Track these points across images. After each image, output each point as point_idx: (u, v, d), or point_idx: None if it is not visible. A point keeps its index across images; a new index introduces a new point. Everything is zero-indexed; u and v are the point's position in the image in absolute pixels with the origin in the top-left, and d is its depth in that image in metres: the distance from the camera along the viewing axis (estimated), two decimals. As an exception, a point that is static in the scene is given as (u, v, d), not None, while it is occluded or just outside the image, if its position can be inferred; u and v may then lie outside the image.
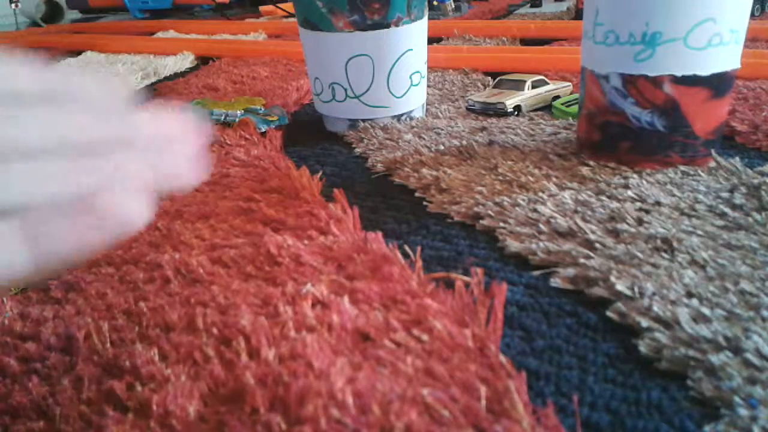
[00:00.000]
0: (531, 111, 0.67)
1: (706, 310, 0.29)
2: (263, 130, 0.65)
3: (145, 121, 0.19)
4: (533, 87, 0.68)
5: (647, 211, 0.40)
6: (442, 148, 0.55)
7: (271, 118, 0.67)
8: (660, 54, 0.43)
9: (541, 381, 0.27)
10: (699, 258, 0.34)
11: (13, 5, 1.94)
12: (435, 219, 0.43)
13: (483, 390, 0.25)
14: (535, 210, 0.41)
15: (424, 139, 0.58)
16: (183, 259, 0.38)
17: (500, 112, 0.65)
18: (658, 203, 0.41)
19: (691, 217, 0.39)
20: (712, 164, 0.46)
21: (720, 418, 0.24)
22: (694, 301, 0.30)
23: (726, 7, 0.41)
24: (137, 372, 0.28)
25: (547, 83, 0.69)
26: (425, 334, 0.29)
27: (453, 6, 1.56)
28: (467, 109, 0.68)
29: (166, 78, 1.03)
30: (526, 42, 1.08)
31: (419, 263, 0.36)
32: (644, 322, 0.29)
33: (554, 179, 0.46)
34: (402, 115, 0.64)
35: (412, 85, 0.62)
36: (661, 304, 0.30)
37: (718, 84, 0.44)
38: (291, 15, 1.72)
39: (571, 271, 0.34)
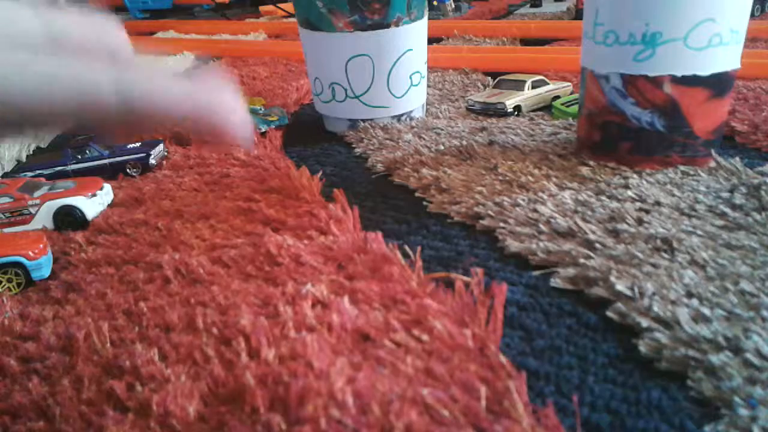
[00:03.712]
0: (531, 111, 0.67)
1: (706, 310, 0.29)
2: (263, 130, 0.65)
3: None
4: (533, 87, 0.68)
5: (647, 211, 0.40)
6: (442, 148, 0.55)
7: (271, 118, 0.67)
8: (660, 54, 0.43)
9: (541, 381, 0.27)
10: (699, 258, 0.34)
11: (13, 5, 1.94)
12: (435, 219, 0.43)
13: (483, 390, 0.25)
14: (535, 210, 0.41)
15: (424, 139, 0.58)
16: (183, 259, 0.38)
17: (500, 112, 0.65)
18: (658, 203, 0.41)
19: (691, 217, 0.39)
20: (712, 164, 0.46)
21: (720, 418, 0.24)
22: (694, 301, 0.30)
23: (726, 7, 0.41)
24: (137, 372, 0.28)
25: (547, 83, 0.69)
26: (425, 334, 0.29)
27: (453, 6, 1.56)
28: (467, 109, 0.68)
29: (166, 78, 1.03)
30: (526, 42, 1.08)
31: (419, 263, 0.36)
32: (644, 322, 0.29)
33: (554, 179, 0.46)
34: (402, 115, 0.64)
35: (412, 85, 0.62)
36: (661, 304, 0.30)
37: (718, 84, 0.44)
38: (291, 15, 1.72)
39: (571, 271, 0.34)
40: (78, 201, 0.46)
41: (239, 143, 0.18)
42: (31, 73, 0.15)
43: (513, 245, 0.38)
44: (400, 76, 0.61)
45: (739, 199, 0.40)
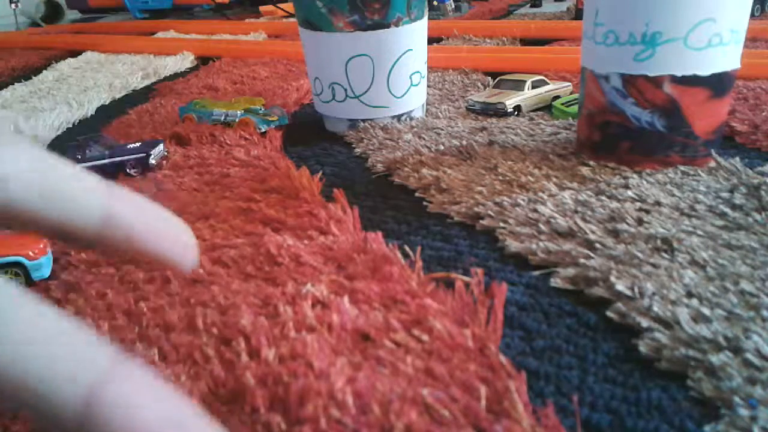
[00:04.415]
0: (531, 111, 0.67)
1: (706, 310, 0.29)
2: (263, 130, 0.65)
3: None
4: (533, 87, 0.68)
5: (647, 211, 0.40)
6: (442, 148, 0.55)
7: (271, 118, 0.67)
8: (660, 54, 0.43)
9: (541, 381, 0.27)
10: (699, 258, 0.34)
11: (13, 5, 1.94)
12: (435, 219, 0.43)
13: (483, 390, 0.25)
14: (535, 210, 0.41)
15: (424, 139, 0.58)
16: (183, 259, 0.38)
17: (500, 112, 0.65)
18: (658, 203, 0.41)
19: (691, 217, 0.39)
20: (712, 164, 0.46)
21: (720, 418, 0.24)
22: (694, 301, 0.30)
23: (726, 7, 0.41)
24: (137, 372, 0.28)
25: (547, 83, 0.69)
26: (425, 334, 0.29)
27: (453, 6, 1.56)
28: (467, 109, 0.68)
29: (166, 78, 1.03)
30: (526, 42, 1.08)
31: (419, 263, 0.36)
32: (644, 322, 0.29)
33: (554, 179, 0.46)
34: (402, 115, 0.64)
35: (412, 85, 0.62)
36: (661, 304, 0.30)
37: (718, 84, 0.44)
38: (291, 15, 1.72)
39: (571, 271, 0.34)
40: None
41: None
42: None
43: (513, 245, 0.38)
44: (400, 76, 0.61)
45: (739, 199, 0.40)
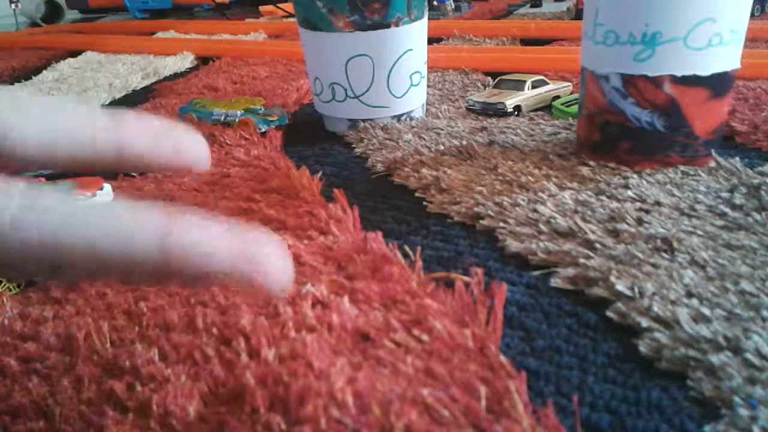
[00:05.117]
0: (531, 111, 0.67)
1: (706, 310, 0.29)
2: (263, 130, 0.65)
3: None
4: (533, 87, 0.68)
5: (647, 211, 0.40)
6: (442, 148, 0.55)
7: (271, 118, 0.67)
8: (660, 54, 0.43)
9: (541, 381, 0.27)
10: (699, 258, 0.34)
11: (13, 5, 1.94)
12: (435, 219, 0.43)
13: (483, 390, 0.25)
14: (535, 210, 0.41)
15: (424, 139, 0.58)
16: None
17: (500, 112, 0.65)
18: (658, 203, 0.41)
19: (691, 217, 0.39)
20: (712, 164, 0.46)
21: (720, 418, 0.24)
22: (694, 301, 0.30)
23: (726, 7, 0.41)
24: (137, 372, 0.28)
25: (547, 83, 0.69)
26: (425, 334, 0.29)
27: (453, 6, 1.56)
28: (467, 109, 0.68)
29: (166, 78, 1.03)
30: (526, 42, 1.08)
31: (419, 263, 0.36)
32: (644, 322, 0.29)
33: (554, 179, 0.46)
34: (402, 115, 0.64)
35: (412, 85, 0.62)
36: (661, 304, 0.30)
37: (718, 84, 0.44)
38: (291, 15, 1.72)
39: (571, 271, 0.34)
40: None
41: (275, 295, 0.16)
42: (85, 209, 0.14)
43: (513, 245, 0.38)
44: (400, 76, 0.61)
45: (739, 199, 0.40)
